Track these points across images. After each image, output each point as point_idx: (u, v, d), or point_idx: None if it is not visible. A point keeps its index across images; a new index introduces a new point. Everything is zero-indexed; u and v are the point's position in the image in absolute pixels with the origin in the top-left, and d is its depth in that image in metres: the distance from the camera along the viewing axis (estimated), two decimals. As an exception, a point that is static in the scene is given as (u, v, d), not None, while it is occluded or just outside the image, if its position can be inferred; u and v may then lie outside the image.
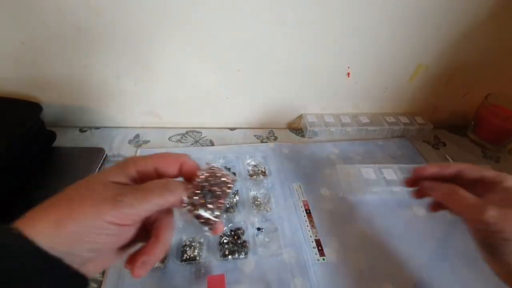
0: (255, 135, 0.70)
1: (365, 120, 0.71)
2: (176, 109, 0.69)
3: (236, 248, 0.46)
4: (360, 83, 0.68)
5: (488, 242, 0.31)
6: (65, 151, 0.59)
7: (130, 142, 0.66)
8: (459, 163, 0.37)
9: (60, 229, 0.22)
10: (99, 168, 0.57)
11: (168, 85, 0.64)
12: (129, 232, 0.26)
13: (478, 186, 0.35)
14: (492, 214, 0.30)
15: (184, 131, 0.70)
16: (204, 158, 0.62)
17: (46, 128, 0.58)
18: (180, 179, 0.30)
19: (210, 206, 0.27)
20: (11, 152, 0.47)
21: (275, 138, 0.70)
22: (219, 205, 0.28)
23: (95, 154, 0.58)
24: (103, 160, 0.58)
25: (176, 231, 0.47)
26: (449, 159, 0.66)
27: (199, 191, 0.27)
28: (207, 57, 0.60)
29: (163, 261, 0.44)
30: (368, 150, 0.68)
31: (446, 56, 0.64)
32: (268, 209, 0.52)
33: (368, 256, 0.48)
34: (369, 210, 0.54)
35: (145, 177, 0.28)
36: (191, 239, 0.47)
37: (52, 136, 0.59)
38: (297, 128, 0.75)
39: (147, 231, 0.28)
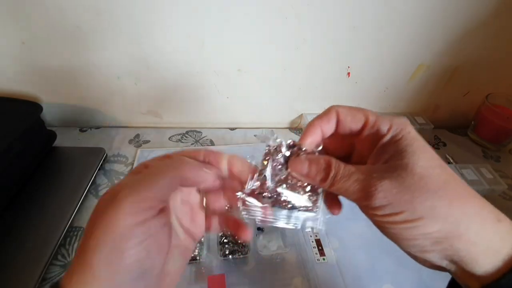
0: (255, 135, 0.70)
1: (365, 120, 0.71)
2: (176, 109, 0.69)
3: (236, 248, 0.46)
4: (360, 83, 0.67)
5: (387, 230, 0.23)
6: (65, 151, 0.59)
7: (130, 142, 0.66)
8: (332, 108, 0.25)
9: (85, 267, 0.19)
10: (99, 169, 0.57)
11: (169, 84, 0.64)
12: (162, 233, 0.22)
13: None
14: (382, 194, 0.21)
15: (184, 131, 0.70)
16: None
17: (46, 128, 0.58)
18: None
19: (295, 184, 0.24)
20: (11, 152, 0.47)
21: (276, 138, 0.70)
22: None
23: (95, 154, 0.58)
24: (103, 160, 0.58)
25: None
26: (450, 158, 0.66)
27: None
28: (208, 56, 0.60)
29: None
30: (368, 150, 0.68)
31: (447, 56, 0.64)
32: (268, 209, 0.52)
33: (368, 255, 0.48)
34: (370, 210, 0.53)
35: None
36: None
37: (52, 136, 0.59)
38: (297, 128, 0.75)
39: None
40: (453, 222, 0.20)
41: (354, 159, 0.27)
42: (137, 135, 0.67)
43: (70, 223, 0.47)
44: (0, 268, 0.41)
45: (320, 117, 0.26)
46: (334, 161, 0.24)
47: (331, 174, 0.23)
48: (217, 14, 0.54)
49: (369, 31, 0.59)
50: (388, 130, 0.23)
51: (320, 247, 0.48)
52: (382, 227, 0.23)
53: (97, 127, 0.68)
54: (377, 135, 0.24)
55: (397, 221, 0.21)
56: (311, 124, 0.26)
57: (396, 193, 0.21)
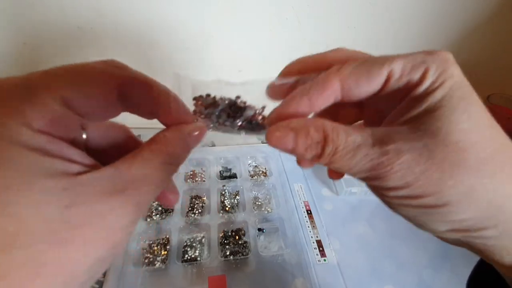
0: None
1: (366, 120, 0.71)
2: (177, 109, 0.69)
3: (237, 248, 0.46)
4: (361, 83, 0.67)
5: (400, 212, 0.17)
6: (66, 152, 0.59)
7: (131, 142, 0.66)
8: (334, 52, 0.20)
9: None
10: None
11: (169, 85, 0.64)
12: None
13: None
14: (399, 175, 0.15)
15: (185, 131, 0.70)
16: (205, 158, 0.62)
17: (47, 128, 0.58)
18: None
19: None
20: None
21: (276, 139, 0.70)
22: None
23: (96, 155, 0.58)
24: (104, 161, 0.58)
25: (177, 231, 0.48)
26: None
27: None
28: (208, 57, 0.60)
29: (164, 261, 0.44)
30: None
31: (447, 56, 0.64)
32: (269, 209, 0.52)
33: (369, 256, 0.47)
34: (370, 210, 0.54)
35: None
36: (191, 239, 0.47)
37: (53, 136, 0.59)
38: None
39: None
40: (495, 208, 0.15)
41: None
42: (138, 136, 0.67)
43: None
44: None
45: (312, 87, 0.17)
46: (330, 128, 0.16)
47: (328, 150, 0.16)
48: (217, 15, 0.54)
49: (368, 31, 0.59)
50: (423, 76, 0.16)
51: (321, 248, 0.48)
52: (394, 208, 0.18)
53: (98, 128, 0.68)
54: (406, 89, 0.17)
55: (415, 205, 0.16)
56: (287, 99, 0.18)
57: (420, 172, 0.15)
